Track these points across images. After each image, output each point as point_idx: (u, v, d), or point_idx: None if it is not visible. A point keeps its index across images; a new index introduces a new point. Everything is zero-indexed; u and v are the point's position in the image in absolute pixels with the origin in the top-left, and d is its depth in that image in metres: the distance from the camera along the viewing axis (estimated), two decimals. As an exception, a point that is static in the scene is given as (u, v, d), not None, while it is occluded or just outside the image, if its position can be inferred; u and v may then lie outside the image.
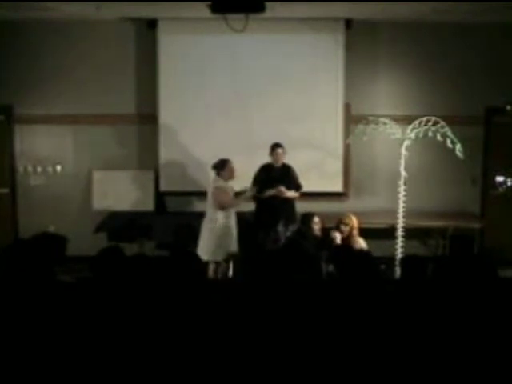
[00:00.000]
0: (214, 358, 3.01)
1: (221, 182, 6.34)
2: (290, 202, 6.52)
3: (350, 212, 6.34)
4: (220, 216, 6.29)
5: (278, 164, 6.54)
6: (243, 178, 6.46)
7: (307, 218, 6.09)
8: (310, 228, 6.00)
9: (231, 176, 6.36)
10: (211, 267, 6.31)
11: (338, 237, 6.03)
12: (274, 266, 3.73)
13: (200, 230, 6.38)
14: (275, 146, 6.52)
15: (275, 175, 6.52)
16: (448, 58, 7.48)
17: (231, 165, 6.34)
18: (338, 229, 6.05)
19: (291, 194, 6.47)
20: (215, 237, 6.28)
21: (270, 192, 6.41)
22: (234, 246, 6.34)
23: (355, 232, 6.07)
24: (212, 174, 6.43)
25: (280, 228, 6.37)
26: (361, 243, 6.01)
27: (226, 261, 6.36)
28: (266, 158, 6.55)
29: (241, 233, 6.43)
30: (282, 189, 6.39)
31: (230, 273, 6.32)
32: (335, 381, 2.99)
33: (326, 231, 6.15)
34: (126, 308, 3.31)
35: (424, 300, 3.47)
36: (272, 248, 6.15)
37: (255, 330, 3.15)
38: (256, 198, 6.54)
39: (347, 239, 6.01)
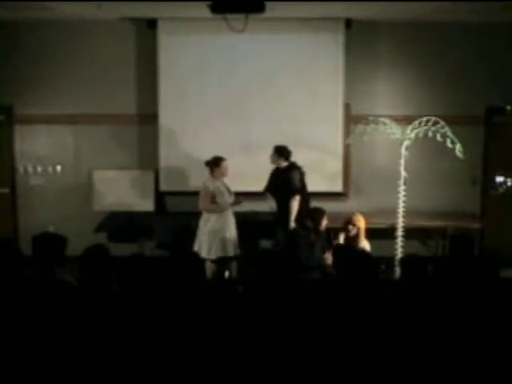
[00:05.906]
0: (213, 357, 3.01)
1: (209, 182, 6.29)
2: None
3: (357, 212, 6.24)
4: (213, 217, 6.27)
5: (281, 167, 6.42)
6: (243, 178, 6.45)
7: (319, 214, 5.94)
8: (319, 224, 5.93)
9: (223, 174, 6.28)
10: (208, 267, 6.30)
11: (341, 237, 6.02)
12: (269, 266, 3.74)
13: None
14: None
15: (274, 180, 6.46)
16: (448, 58, 7.47)
17: (224, 163, 6.26)
18: (345, 228, 6.02)
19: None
20: (206, 238, 6.26)
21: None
22: (229, 249, 6.29)
23: (362, 233, 6.03)
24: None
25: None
26: (365, 245, 5.97)
27: (220, 262, 6.33)
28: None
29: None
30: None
31: (226, 275, 6.31)
32: (335, 381, 2.99)
33: (330, 230, 6.13)
34: (126, 308, 3.31)
35: (424, 300, 3.47)
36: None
37: (254, 331, 3.15)
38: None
39: (353, 239, 5.99)
